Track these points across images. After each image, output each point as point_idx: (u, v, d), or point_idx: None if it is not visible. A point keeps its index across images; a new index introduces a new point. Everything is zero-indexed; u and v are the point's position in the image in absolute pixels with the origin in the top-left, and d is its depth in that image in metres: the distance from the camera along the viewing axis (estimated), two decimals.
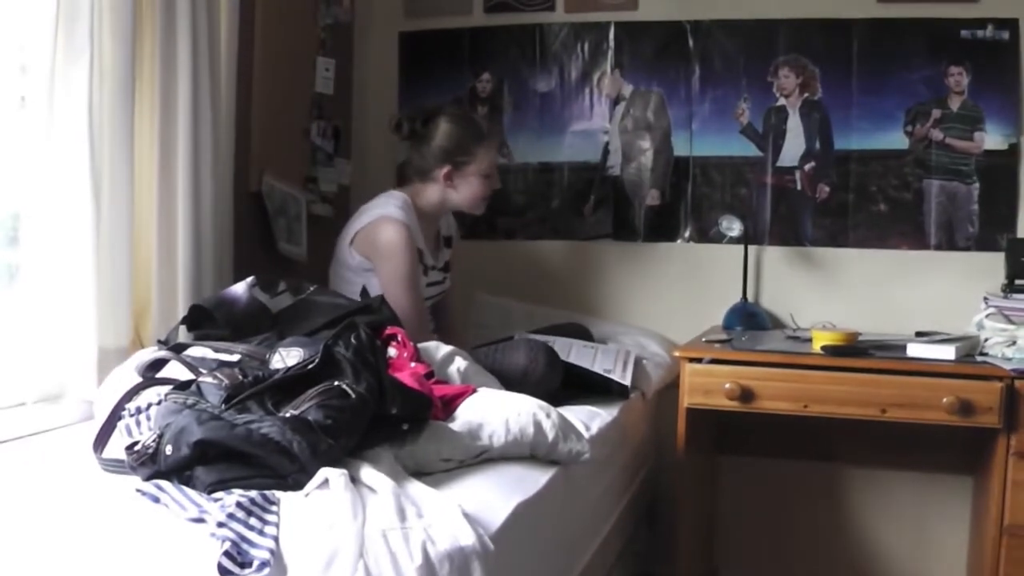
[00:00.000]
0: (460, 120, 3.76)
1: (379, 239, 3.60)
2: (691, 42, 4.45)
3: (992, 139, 4.16)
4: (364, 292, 3.58)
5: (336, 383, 2.28)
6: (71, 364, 2.93)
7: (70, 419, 2.87)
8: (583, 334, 3.99)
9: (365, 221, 3.66)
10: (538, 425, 2.68)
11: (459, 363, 3.07)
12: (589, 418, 3.20)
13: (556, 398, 3.09)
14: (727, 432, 4.29)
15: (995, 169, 4.15)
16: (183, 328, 2.94)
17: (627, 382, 3.60)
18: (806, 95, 4.34)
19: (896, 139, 4.25)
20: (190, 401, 2.23)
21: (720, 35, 4.42)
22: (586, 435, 2.89)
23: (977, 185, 4.17)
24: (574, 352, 3.64)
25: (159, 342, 2.83)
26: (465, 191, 3.75)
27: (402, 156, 4.60)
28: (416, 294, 3.62)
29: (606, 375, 3.59)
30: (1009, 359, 3.46)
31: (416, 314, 3.57)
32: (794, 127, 4.35)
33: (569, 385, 3.47)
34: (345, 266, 3.69)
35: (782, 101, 4.37)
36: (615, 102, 4.56)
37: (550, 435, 2.69)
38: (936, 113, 4.20)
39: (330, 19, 4.40)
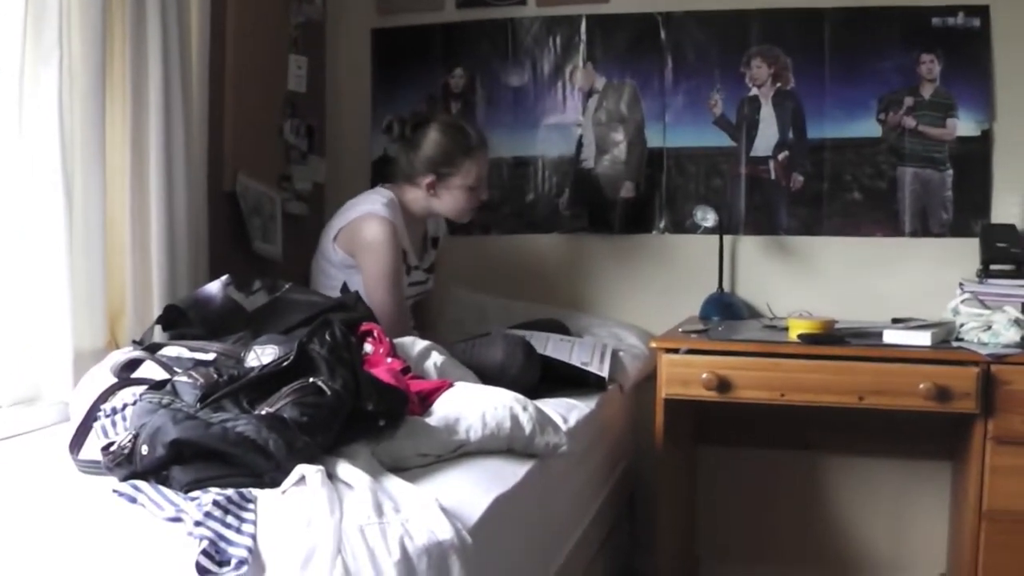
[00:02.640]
0: (450, 131, 3.73)
1: (363, 235, 3.59)
2: (663, 34, 4.45)
3: (964, 126, 4.16)
4: (344, 288, 3.57)
5: (311, 380, 2.27)
6: (46, 366, 2.92)
7: (46, 421, 2.85)
8: (560, 328, 3.99)
9: (350, 217, 3.65)
10: (515, 418, 2.68)
11: (435, 358, 3.07)
12: (567, 411, 3.19)
13: (534, 392, 3.09)
14: (706, 423, 4.29)
15: (968, 156, 4.16)
16: (158, 328, 2.94)
17: (604, 374, 3.59)
18: (779, 85, 4.34)
19: (869, 127, 4.25)
20: (165, 401, 2.22)
21: (692, 26, 4.42)
22: (564, 428, 2.90)
23: (951, 172, 4.18)
24: (551, 345, 3.63)
25: (134, 342, 2.83)
26: (448, 202, 3.74)
27: (377, 153, 4.62)
28: (397, 292, 3.61)
29: (583, 368, 3.58)
30: (985, 344, 3.47)
31: (397, 312, 3.56)
32: (767, 117, 4.36)
33: (547, 379, 3.46)
34: (328, 261, 3.69)
35: (755, 91, 4.37)
36: (588, 95, 4.55)
37: (527, 428, 2.70)
38: (909, 101, 4.21)
39: (302, 17, 4.39)
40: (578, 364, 3.59)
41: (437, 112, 3.94)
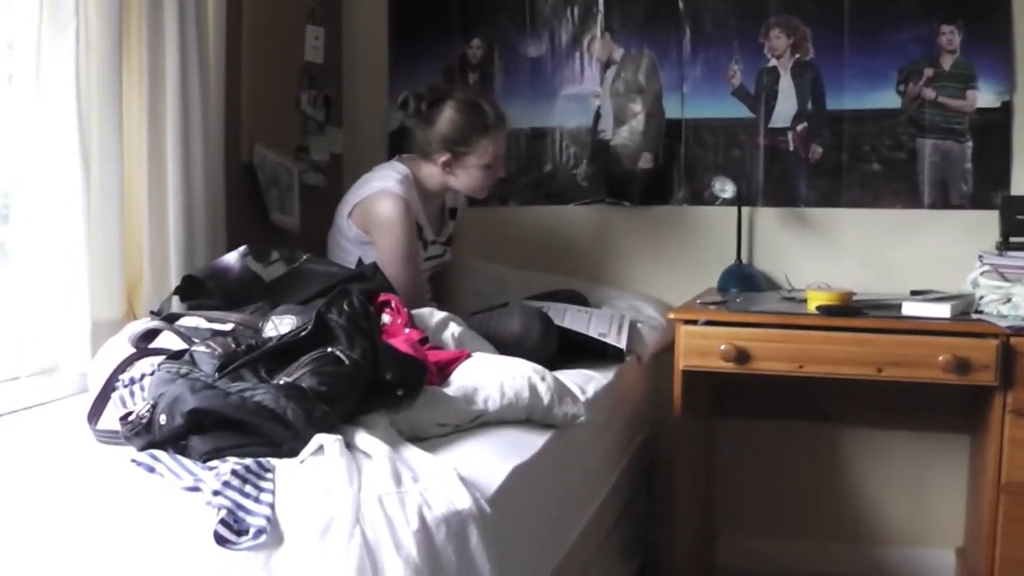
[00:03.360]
0: (466, 109, 3.66)
1: (377, 213, 3.57)
2: (681, 4, 4.42)
3: (985, 97, 4.13)
4: (360, 262, 3.55)
5: (330, 350, 2.28)
6: (65, 337, 2.92)
7: (65, 392, 2.87)
8: (578, 299, 3.99)
9: (364, 193, 3.63)
10: (533, 389, 2.68)
11: (453, 329, 3.07)
12: (585, 382, 3.19)
13: (552, 363, 3.08)
14: (724, 394, 4.28)
15: (988, 127, 4.13)
16: (176, 299, 2.95)
17: (622, 345, 3.59)
18: (798, 56, 4.32)
19: (889, 98, 4.23)
20: (183, 370, 2.23)
21: None
22: (582, 398, 2.89)
23: (970, 143, 4.15)
24: (568, 317, 3.64)
25: (152, 313, 2.83)
26: (464, 179, 3.70)
27: (394, 124, 4.61)
28: (413, 268, 3.59)
29: (601, 339, 3.59)
30: (1004, 316, 3.45)
31: (412, 288, 3.53)
32: (786, 88, 4.33)
33: (565, 350, 3.47)
34: (343, 236, 3.67)
35: (774, 62, 4.34)
36: (606, 66, 4.53)
37: (545, 398, 2.69)
38: (928, 72, 4.18)
39: None
40: (596, 335, 3.59)
41: (454, 87, 3.89)
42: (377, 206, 3.58)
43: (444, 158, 3.63)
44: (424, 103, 3.68)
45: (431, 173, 3.70)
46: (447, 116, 3.64)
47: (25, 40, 2.78)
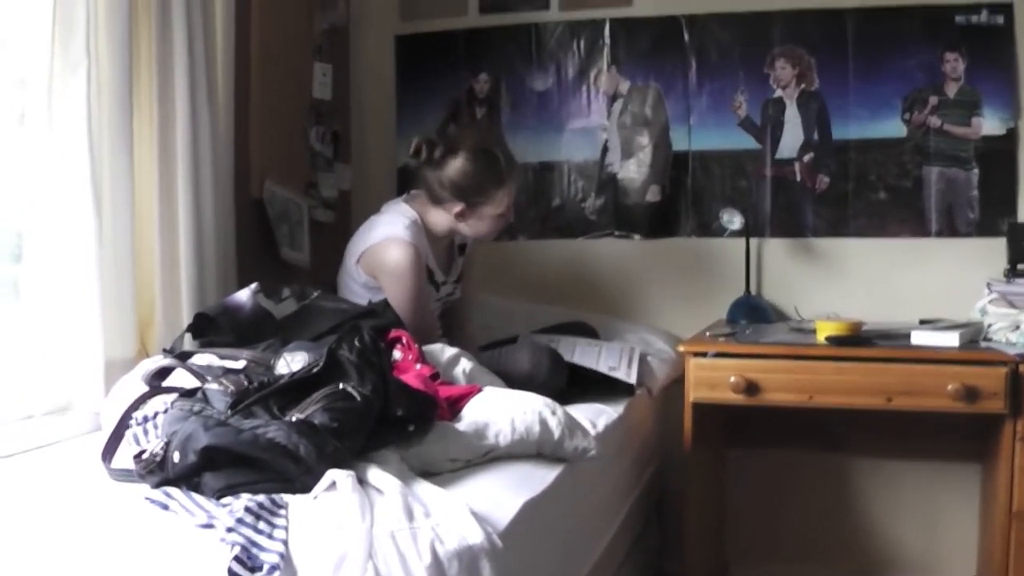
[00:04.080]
0: (481, 159, 3.57)
1: (386, 260, 3.53)
2: (686, 36, 4.45)
3: (990, 124, 4.15)
4: (382, 300, 3.53)
5: (341, 386, 2.29)
6: (78, 376, 2.94)
7: (78, 431, 2.87)
8: (587, 332, 4.00)
9: (373, 240, 3.58)
10: (544, 423, 2.69)
11: (464, 365, 3.08)
12: (595, 415, 3.20)
13: (562, 397, 3.08)
14: (734, 426, 4.29)
15: (994, 154, 4.15)
16: (188, 336, 2.96)
17: (632, 380, 3.60)
18: (803, 86, 4.34)
19: (894, 127, 4.25)
20: (196, 408, 2.24)
21: (715, 28, 4.43)
22: (592, 432, 2.88)
23: (976, 171, 4.17)
24: (578, 351, 3.64)
25: (164, 351, 2.83)
26: (476, 228, 3.66)
27: (402, 160, 4.63)
28: (422, 313, 3.54)
29: (611, 373, 3.59)
30: (1013, 344, 3.46)
31: (424, 331, 3.46)
32: (792, 118, 4.36)
33: (575, 383, 3.47)
34: (352, 279, 3.64)
35: (779, 92, 4.37)
36: (612, 99, 4.56)
37: (556, 433, 2.70)
38: (933, 100, 4.20)
39: (326, 24, 4.41)
40: (605, 370, 3.60)
41: (465, 133, 3.84)
42: (386, 254, 3.53)
43: (458, 208, 3.58)
44: (437, 151, 3.59)
45: (441, 219, 3.65)
46: (461, 167, 3.55)
47: (37, 79, 2.80)
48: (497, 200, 3.61)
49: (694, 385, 3.57)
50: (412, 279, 3.50)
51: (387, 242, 3.53)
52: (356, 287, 3.62)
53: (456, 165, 3.56)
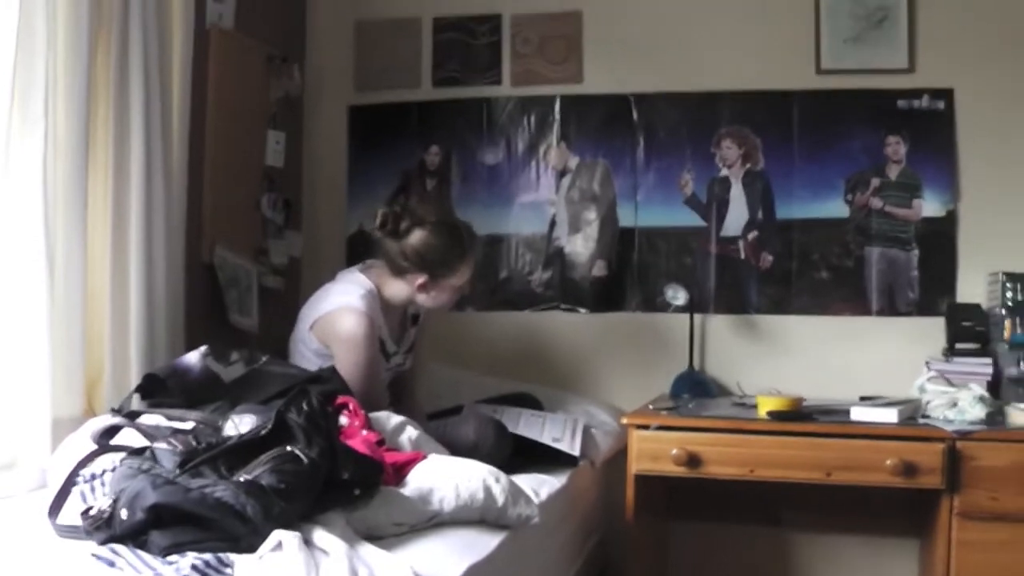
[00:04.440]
0: (445, 232, 3.62)
1: (340, 329, 3.52)
2: (635, 114, 4.53)
3: (930, 206, 4.26)
4: (330, 367, 3.53)
5: (288, 448, 2.31)
6: (24, 433, 2.93)
7: (24, 487, 2.87)
8: (532, 403, 4.00)
9: (326, 308, 3.58)
10: (488, 490, 2.71)
11: (410, 432, 3.09)
12: (538, 485, 3.22)
13: (506, 468, 3.09)
14: (677, 499, 4.31)
15: (934, 235, 4.25)
16: (136, 396, 2.96)
17: (576, 451, 3.62)
18: (748, 165, 4.43)
19: (837, 207, 4.34)
20: (145, 466, 2.25)
21: (663, 107, 4.51)
22: (536, 501, 2.91)
23: (917, 251, 4.26)
24: (523, 422, 3.66)
25: (113, 410, 2.84)
26: (437, 299, 3.68)
27: (352, 228, 4.67)
28: (372, 383, 3.53)
29: (555, 444, 3.61)
30: (951, 421, 3.52)
31: (371, 400, 3.41)
32: (737, 197, 4.43)
33: (518, 454, 3.48)
34: (305, 345, 3.63)
35: (725, 172, 4.45)
36: (561, 174, 4.62)
37: (500, 499, 2.72)
38: (875, 182, 4.30)
39: (281, 92, 4.45)
40: (549, 441, 3.61)
41: (427, 208, 3.85)
42: (340, 322, 3.52)
43: (421, 280, 3.59)
44: (403, 223, 3.59)
45: (399, 289, 3.66)
46: (425, 239, 3.58)
47: None
48: (460, 272, 3.64)
49: (636, 456, 3.59)
50: (365, 349, 3.50)
51: (342, 311, 3.53)
52: (308, 353, 3.62)
53: (421, 237, 3.58)
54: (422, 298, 3.67)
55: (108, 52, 3.24)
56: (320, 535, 2.15)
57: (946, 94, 4.26)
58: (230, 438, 2.40)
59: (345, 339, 3.51)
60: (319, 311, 3.61)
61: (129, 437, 2.58)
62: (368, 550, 2.19)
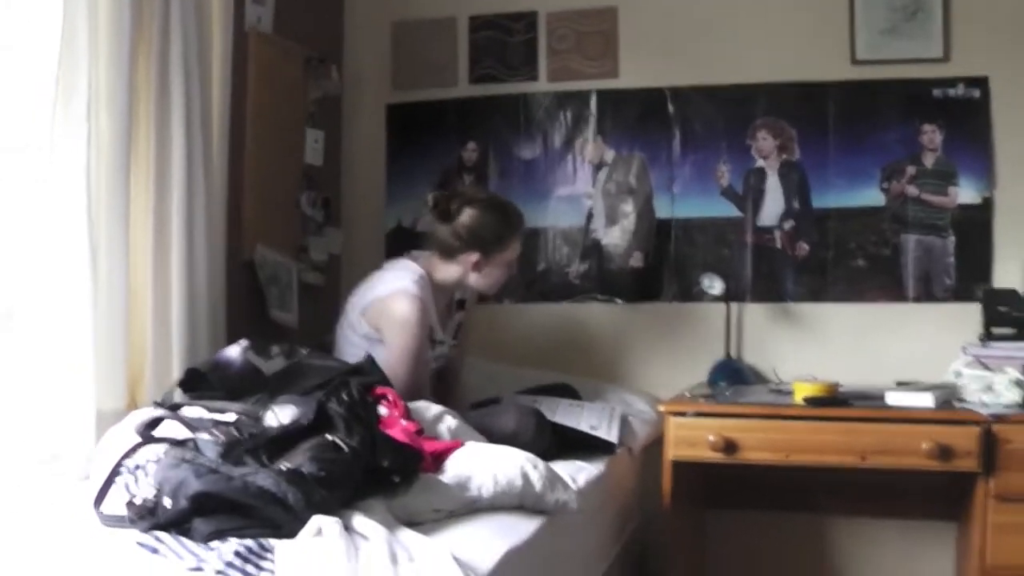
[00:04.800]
0: (495, 208, 3.75)
1: (394, 312, 3.57)
2: (671, 108, 4.56)
3: (966, 193, 4.26)
4: (368, 358, 3.58)
5: (329, 437, 2.36)
6: (69, 426, 2.99)
7: (68, 479, 2.93)
8: (570, 393, 4.02)
9: (381, 292, 3.64)
10: (525, 476, 2.75)
11: (449, 422, 3.12)
12: (576, 472, 3.25)
13: (545, 457, 3.11)
14: (714, 487, 4.33)
15: (970, 222, 4.26)
16: (178, 390, 3.01)
17: (613, 439, 3.64)
18: (784, 156, 4.45)
19: (873, 196, 4.35)
20: (188, 456, 2.30)
21: (699, 100, 4.54)
22: (573, 487, 2.94)
23: (953, 238, 4.27)
24: (560, 411, 3.69)
25: (155, 403, 2.88)
26: (489, 278, 3.76)
27: (391, 224, 4.72)
28: (420, 370, 3.59)
29: (592, 432, 3.64)
30: (986, 404, 3.54)
31: (416, 389, 3.51)
32: (773, 187, 4.46)
33: (557, 443, 3.50)
34: (353, 331, 3.69)
35: (761, 163, 4.47)
36: (598, 167, 4.66)
37: (537, 486, 2.76)
38: (911, 170, 4.31)
39: (319, 92, 4.51)
40: (587, 429, 3.64)
41: (475, 189, 3.92)
42: (395, 306, 3.57)
43: (475, 257, 3.68)
44: (455, 203, 3.71)
45: (450, 272, 3.73)
46: (477, 216, 3.68)
47: (38, 142, 2.91)
48: (511, 246, 3.75)
49: (674, 443, 3.63)
50: (417, 332, 3.55)
51: (397, 294, 3.59)
52: (356, 338, 3.67)
53: (472, 215, 3.68)
54: (474, 278, 3.74)
55: (149, 54, 3.30)
56: (360, 521, 2.20)
57: (981, 82, 4.26)
58: (271, 428, 2.45)
59: (399, 322, 3.56)
60: (372, 295, 3.66)
61: (172, 429, 2.61)
62: (407, 535, 2.23)
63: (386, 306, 3.60)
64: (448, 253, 3.71)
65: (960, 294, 4.25)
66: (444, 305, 3.86)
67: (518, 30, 4.76)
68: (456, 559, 2.10)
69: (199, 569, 1.95)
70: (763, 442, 3.54)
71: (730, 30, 4.52)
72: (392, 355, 3.53)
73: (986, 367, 3.74)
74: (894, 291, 4.33)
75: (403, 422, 2.82)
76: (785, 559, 4.40)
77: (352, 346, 3.67)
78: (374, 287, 3.69)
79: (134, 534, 2.17)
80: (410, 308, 3.55)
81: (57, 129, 2.91)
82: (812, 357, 4.33)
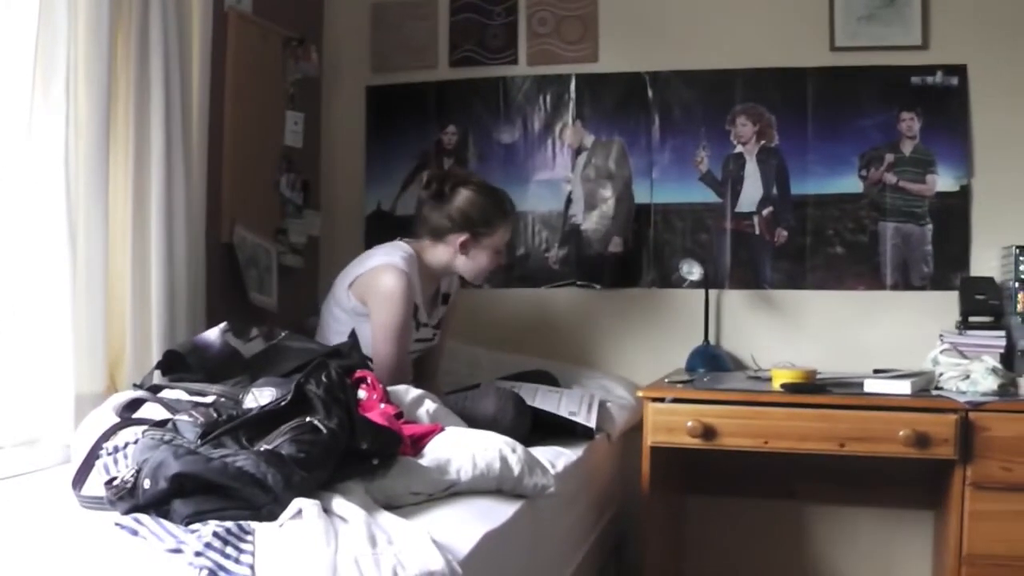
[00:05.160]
0: (488, 192, 3.78)
1: (379, 285, 3.60)
2: (650, 93, 4.57)
3: (944, 181, 4.28)
4: (353, 334, 3.61)
5: (308, 419, 2.35)
6: (48, 409, 2.98)
7: (47, 462, 2.92)
8: (548, 379, 4.04)
9: (369, 266, 3.67)
10: (504, 460, 2.75)
11: (428, 406, 3.12)
12: (554, 457, 3.25)
13: (524, 442, 3.12)
14: (692, 474, 4.36)
15: (947, 210, 4.28)
16: (158, 372, 3.00)
17: (592, 424, 3.65)
18: (763, 142, 4.46)
19: (851, 183, 4.37)
20: (167, 437, 2.29)
21: (678, 85, 4.54)
22: (552, 471, 2.94)
23: (931, 226, 4.29)
24: (539, 396, 3.69)
25: (134, 386, 2.88)
26: (474, 263, 3.77)
27: (370, 207, 4.71)
28: (402, 346, 3.62)
29: (571, 418, 3.65)
30: (963, 392, 3.56)
31: (398, 365, 3.57)
32: (752, 173, 4.47)
33: (535, 429, 3.51)
34: (339, 307, 3.71)
35: (740, 148, 4.48)
36: (577, 152, 4.66)
37: (516, 469, 2.76)
38: (889, 157, 4.32)
39: (299, 74, 4.49)
40: (566, 414, 3.65)
41: (469, 172, 3.94)
42: (381, 279, 3.61)
43: (463, 238, 3.71)
44: (448, 184, 3.74)
45: (438, 254, 3.76)
46: (469, 198, 3.72)
47: (17, 120, 2.88)
48: (499, 232, 3.76)
49: (652, 429, 3.63)
50: (401, 306, 3.58)
51: (383, 268, 3.62)
52: (341, 314, 3.70)
53: (465, 196, 3.72)
54: (461, 261, 3.76)
55: (128, 35, 3.29)
56: (339, 503, 2.19)
57: (960, 70, 4.28)
58: (250, 410, 2.44)
59: (384, 295, 3.59)
60: (360, 269, 3.69)
61: (151, 410, 2.61)
62: (386, 518, 2.23)
63: (373, 279, 3.63)
64: (437, 234, 3.74)
65: (938, 282, 4.28)
66: (431, 292, 3.87)
67: (498, 13, 4.77)
68: (435, 542, 2.10)
69: (178, 551, 1.94)
70: (742, 428, 3.54)
71: (710, 15, 4.54)
72: (376, 328, 3.58)
73: (963, 355, 3.78)
74: (872, 279, 4.35)
75: (382, 405, 2.82)
76: (763, 546, 4.43)
77: (337, 322, 3.70)
78: (362, 262, 3.72)
79: (113, 516, 2.16)
80: (396, 282, 3.58)
81: (35, 109, 2.89)
82: (790, 344, 4.36)
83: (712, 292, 4.43)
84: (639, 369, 4.48)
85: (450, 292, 4.00)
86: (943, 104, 4.29)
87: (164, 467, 2.14)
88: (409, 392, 3.15)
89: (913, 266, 4.30)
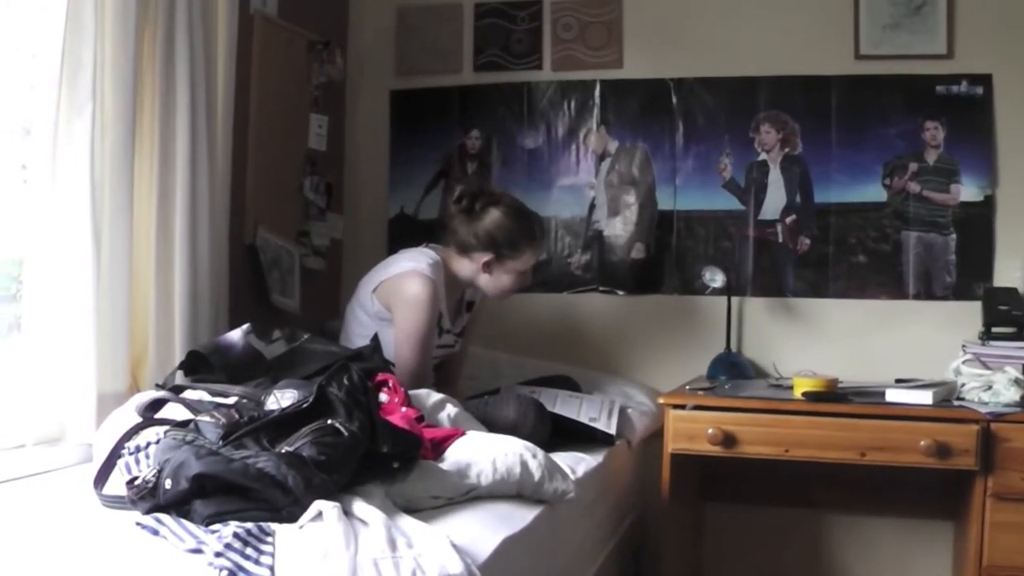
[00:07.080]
0: (517, 215, 3.72)
1: (404, 291, 3.59)
2: (674, 99, 4.56)
3: (968, 191, 4.26)
4: (375, 338, 3.58)
5: (329, 422, 2.36)
6: (71, 408, 3.01)
7: (69, 461, 2.94)
8: (569, 385, 4.03)
9: (395, 271, 3.65)
10: (524, 465, 2.75)
11: (449, 410, 3.13)
12: (575, 462, 3.26)
13: (544, 447, 3.12)
14: (713, 481, 4.35)
15: (971, 220, 4.26)
16: (180, 373, 3.02)
17: (612, 430, 3.66)
18: (787, 150, 4.44)
19: (874, 192, 4.35)
20: (189, 437, 2.30)
21: (703, 92, 4.54)
22: (572, 477, 2.94)
23: (954, 236, 4.27)
24: (560, 402, 3.70)
25: (157, 386, 2.89)
26: (496, 282, 3.74)
27: (393, 211, 4.72)
28: (424, 353, 3.60)
29: (591, 424, 3.65)
30: (985, 403, 3.54)
31: (420, 372, 3.56)
32: (775, 181, 4.45)
33: (556, 434, 3.52)
34: (363, 310, 3.70)
35: (763, 156, 4.47)
36: (601, 158, 4.66)
37: (536, 474, 2.76)
38: (913, 166, 4.31)
39: (323, 77, 4.50)
40: (586, 421, 3.66)
41: (504, 192, 3.93)
42: (407, 284, 3.59)
43: (487, 258, 3.67)
44: (480, 201, 3.70)
45: (463, 267, 3.73)
46: (498, 219, 3.67)
47: (43, 118, 2.90)
48: (524, 257, 3.72)
49: (673, 436, 3.63)
50: (427, 313, 3.56)
51: (410, 274, 3.60)
52: (365, 318, 3.69)
53: (495, 216, 3.67)
54: (484, 279, 3.73)
55: (154, 36, 3.30)
56: (359, 506, 2.20)
57: (985, 80, 4.25)
58: (272, 412, 2.45)
59: (410, 301, 3.57)
60: (386, 274, 3.67)
61: (173, 411, 2.62)
62: (406, 521, 2.24)
63: (398, 284, 3.61)
64: (463, 249, 3.71)
65: (960, 292, 4.26)
66: (456, 299, 3.86)
67: (523, 18, 4.76)
68: (454, 546, 2.11)
69: (199, 551, 1.95)
70: (762, 436, 3.54)
71: (735, 22, 4.52)
72: (399, 334, 3.57)
73: (985, 366, 3.75)
74: (895, 288, 4.33)
75: (403, 409, 2.83)
76: (782, 554, 4.41)
77: (360, 326, 3.69)
78: (388, 267, 3.71)
79: (134, 515, 2.17)
80: (422, 289, 3.56)
81: (62, 110, 2.91)
82: (812, 352, 4.33)
83: (734, 299, 4.41)
84: (660, 375, 4.47)
85: (474, 300, 3.97)
86: (968, 114, 4.27)
87: (185, 467, 2.15)
88: (431, 396, 3.16)
89: (936, 276, 4.28)
